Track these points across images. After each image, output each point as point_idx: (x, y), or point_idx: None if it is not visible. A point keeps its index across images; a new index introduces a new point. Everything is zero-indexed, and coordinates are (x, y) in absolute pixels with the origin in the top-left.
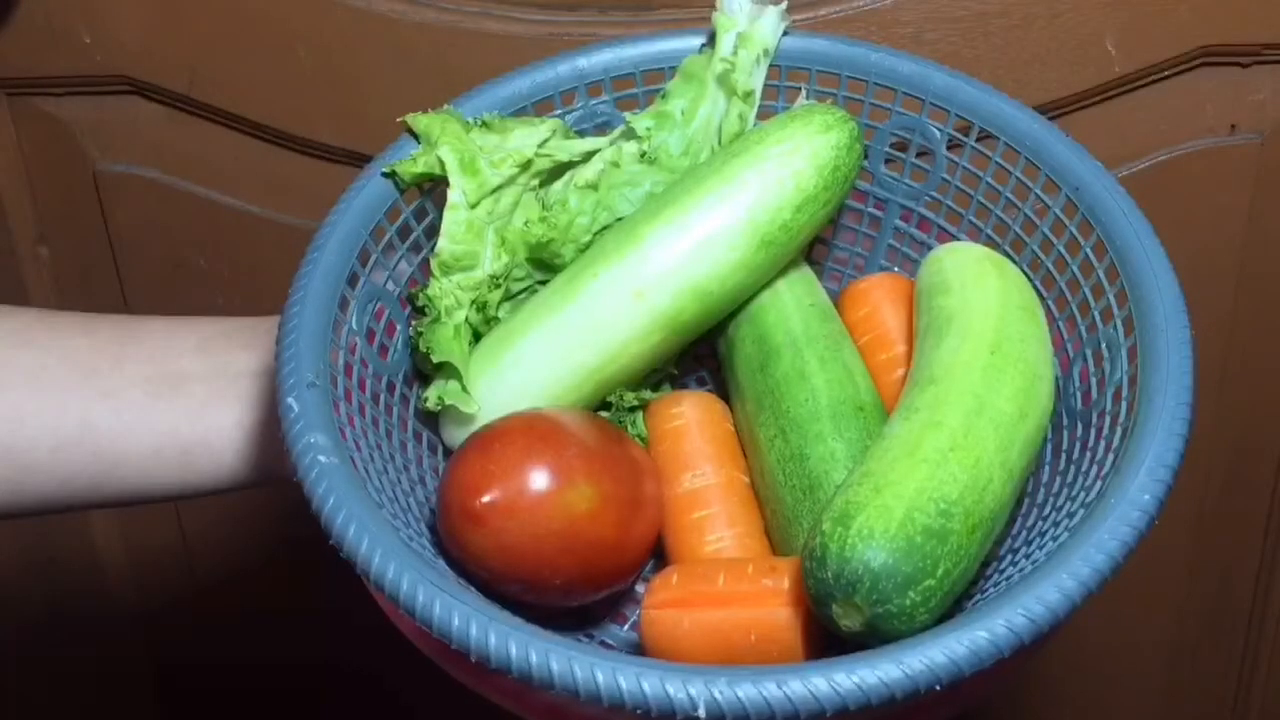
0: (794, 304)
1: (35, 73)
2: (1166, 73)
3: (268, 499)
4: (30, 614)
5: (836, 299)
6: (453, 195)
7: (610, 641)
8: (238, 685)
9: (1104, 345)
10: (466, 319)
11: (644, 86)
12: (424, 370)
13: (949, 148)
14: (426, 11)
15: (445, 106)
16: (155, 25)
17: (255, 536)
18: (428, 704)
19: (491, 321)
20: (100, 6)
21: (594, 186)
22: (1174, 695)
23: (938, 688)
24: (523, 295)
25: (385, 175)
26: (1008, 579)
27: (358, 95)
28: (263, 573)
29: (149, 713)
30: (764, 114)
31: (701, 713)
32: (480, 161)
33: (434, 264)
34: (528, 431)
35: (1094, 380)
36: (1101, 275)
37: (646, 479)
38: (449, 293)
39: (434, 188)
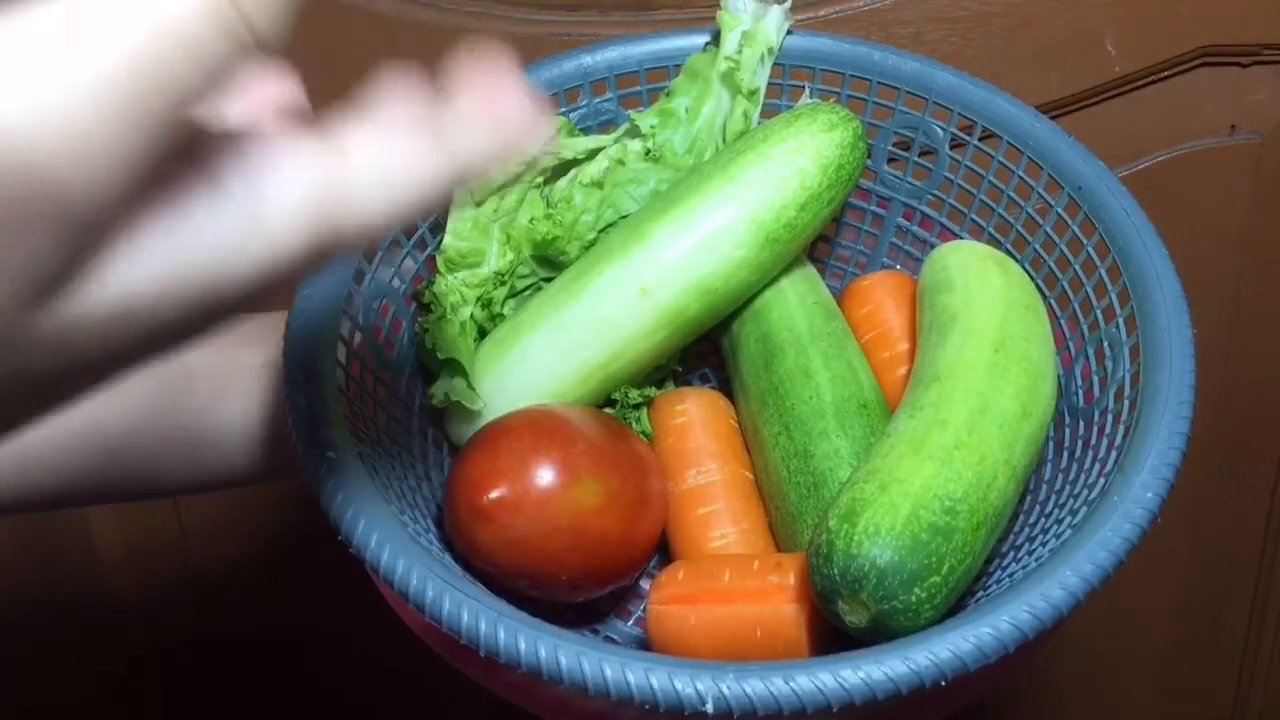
0: (798, 302)
1: None
2: (1166, 73)
3: (266, 491)
4: (29, 607)
5: (839, 297)
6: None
7: (615, 637)
8: (238, 678)
9: (1106, 344)
10: (472, 316)
11: (648, 84)
12: (430, 367)
13: (952, 147)
14: (426, 11)
15: None
16: None
17: (254, 529)
18: (426, 689)
19: (497, 319)
20: None
21: (599, 184)
22: (1174, 695)
23: (943, 683)
24: (528, 292)
25: None
26: (1011, 575)
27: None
28: (261, 564)
29: (149, 704)
30: (767, 112)
31: (709, 708)
32: None
33: (439, 261)
34: (534, 428)
35: (1096, 378)
36: (1104, 274)
37: (651, 475)
38: (454, 290)
39: None
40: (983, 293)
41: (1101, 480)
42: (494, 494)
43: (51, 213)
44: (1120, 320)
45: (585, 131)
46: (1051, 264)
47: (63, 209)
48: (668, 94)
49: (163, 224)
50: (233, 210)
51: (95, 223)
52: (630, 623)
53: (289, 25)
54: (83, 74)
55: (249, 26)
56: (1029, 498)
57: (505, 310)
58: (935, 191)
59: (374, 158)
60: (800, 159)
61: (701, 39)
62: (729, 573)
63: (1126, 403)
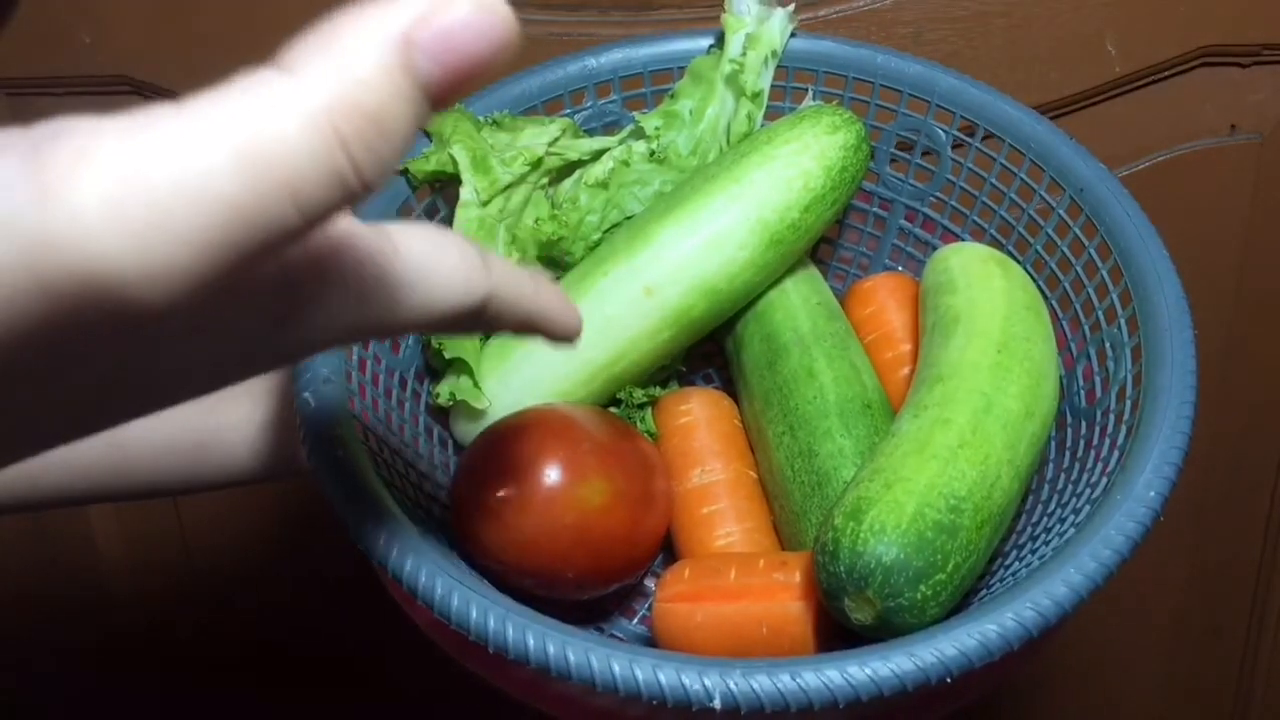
0: (801, 302)
1: (35, 73)
2: (1166, 73)
3: (268, 490)
4: (29, 605)
5: (842, 298)
6: (464, 193)
7: (620, 635)
8: (237, 672)
9: (1108, 344)
10: None
11: (653, 86)
12: (435, 366)
13: (953, 149)
14: None
15: (456, 105)
16: (155, 25)
17: (254, 527)
18: (427, 689)
19: None
20: (100, 6)
21: (604, 185)
22: (1174, 694)
23: (948, 680)
24: None
25: (398, 173)
26: (1015, 574)
27: None
28: (261, 563)
29: (151, 701)
30: (771, 114)
31: (717, 704)
32: (492, 160)
33: None
34: (540, 427)
35: (1098, 379)
36: (1105, 276)
37: (656, 474)
38: None
39: (445, 186)
40: (985, 294)
41: (1104, 479)
42: (500, 492)
43: (113, 321)
44: (1122, 321)
45: (590, 133)
46: (1053, 265)
47: (125, 318)
48: (672, 96)
49: (217, 325)
50: (292, 319)
51: (155, 333)
52: (635, 621)
53: (393, 170)
54: (178, 198)
55: (357, 173)
56: (1032, 497)
57: None
58: (937, 193)
59: (420, 256)
60: (804, 160)
61: (705, 41)
62: (734, 571)
63: (1128, 403)
